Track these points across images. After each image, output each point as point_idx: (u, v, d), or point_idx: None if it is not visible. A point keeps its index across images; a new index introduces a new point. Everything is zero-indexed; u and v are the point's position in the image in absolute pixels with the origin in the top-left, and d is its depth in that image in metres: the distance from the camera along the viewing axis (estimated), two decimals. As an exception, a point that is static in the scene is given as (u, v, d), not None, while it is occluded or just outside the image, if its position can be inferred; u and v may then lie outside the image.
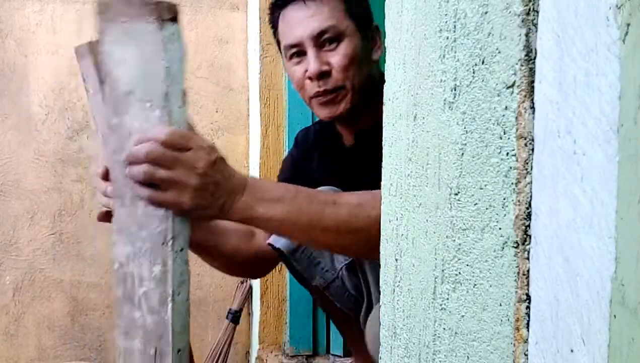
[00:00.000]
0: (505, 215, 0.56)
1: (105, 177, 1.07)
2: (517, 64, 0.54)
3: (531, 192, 0.54)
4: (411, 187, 0.77)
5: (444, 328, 0.68)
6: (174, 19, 0.88)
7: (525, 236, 0.54)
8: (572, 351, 0.47)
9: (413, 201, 0.76)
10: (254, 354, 2.43)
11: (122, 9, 0.87)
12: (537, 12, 0.53)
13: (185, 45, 0.90)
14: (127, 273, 0.92)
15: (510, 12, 0.55)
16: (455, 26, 0.64)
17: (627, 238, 0.39)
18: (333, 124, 1.52)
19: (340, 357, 2.21)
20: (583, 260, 0.45)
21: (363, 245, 1.04)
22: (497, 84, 0.57)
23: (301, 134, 1.67)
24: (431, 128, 0.71)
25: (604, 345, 0.42)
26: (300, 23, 1.39)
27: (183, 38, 0.89)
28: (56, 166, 2.55)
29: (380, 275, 0.88)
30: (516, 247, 0.55)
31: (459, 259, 0.65)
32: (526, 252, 0.54)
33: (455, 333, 0.66)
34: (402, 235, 0.80)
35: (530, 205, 0.54)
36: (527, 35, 0.53)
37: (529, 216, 0.54)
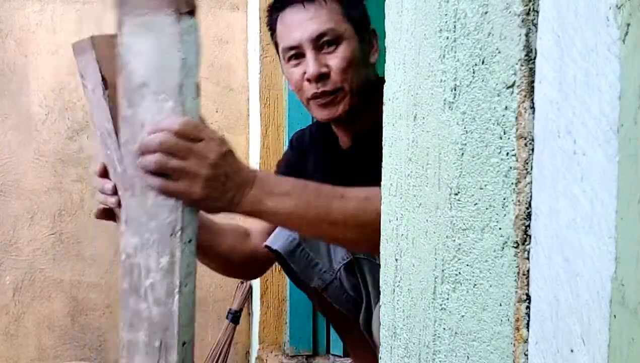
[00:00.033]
0: (505, 215, 0.56)
1: (103, 174, 1.07)
2: (517, 64, 0.54)
3: (531, 192, 0.54)
4: (411, 187, 0.77)
5: (444, 328, 0.68)
6: (192, 12, 0.89)
7: (525, 236, 0.54)
8: (572, 351, 0.47)
9: (413, 201, 0.76)
10: (254, 354, 2.43)
11: (141, 2, 0.88)
12: (537, 12, 0.53)
13: (201, 39, 0.91)
14: (133, 265, 0.92)
15: (510, 12, 0.55)
16: (455, 26, 0.64)
17: (627, 238, 0.39)
18: (329, 126, 1.53)
19: (340, 357, 2.21)
20: (583, 260, 0.45)
21: (370, 239, 1.05)
22: (497, 84, 0.57)
23: (296, 135, 1.68)
24: (431, 128, 0.71)
25: (604, 345, 0.42)
26: (299, 26, 1.40)
27: (200, 31, 0.90)
28: (56, 166, 2.55)
29: (380, 275, 0.88)
30: (516, 247, 0.55)
31: (459, 259, 0.65)
32: (526, 252, 0.54)
33: (455, 333, 0.66)
34: (402, 235, 0.80)
35: (530, 205, 0.54)
36: (527, 35, 0.53)
37: (529, 216, 0.54)
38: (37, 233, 2.56)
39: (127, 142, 0.91)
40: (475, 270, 0.62)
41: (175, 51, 0.88)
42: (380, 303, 0.88)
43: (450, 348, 0.67)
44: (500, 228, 0.57)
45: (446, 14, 0.66)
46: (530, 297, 0.54)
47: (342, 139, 1.52)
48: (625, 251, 0.40)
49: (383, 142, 0.87)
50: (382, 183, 0.88)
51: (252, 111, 2.55)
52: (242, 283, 2.54)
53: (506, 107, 0.56)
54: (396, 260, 0.82)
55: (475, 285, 0.62)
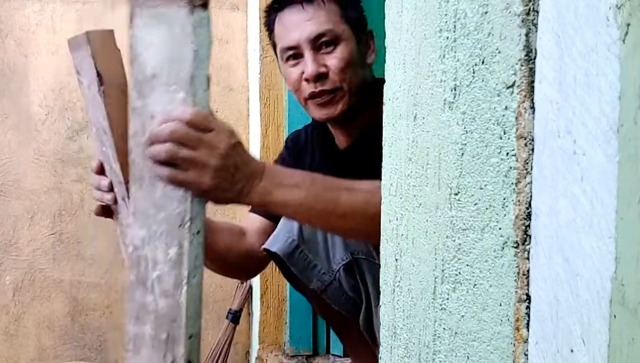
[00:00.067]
0: (505, 215, 0.56)
1: (100, 171, 1.07)
2: (517, 64, 0.54)
3: (531, 192, 0.54)
4: (411, 187, 0.77)
5: (444, 328, 0.68)
6: (205, 5, 0.89)
7: (525, 236, 0.55)
8: (572, 351, 0.47)
9: (413, 201, 0.76)
10: (254, 354, 2.43)
11: None
12: (537, 12, 0.53)
13: (212, 32, 0.91)
14: (141, 257, 0.91)
15: (510, 12, 0.55)
16: (455, 26, 0.64)
17: (627, 238, 0.39)
18: (326, 127, 1.53)
19: (340, 357, 2.21)
20: (583, 260, 0.45)
21: (377, 230, 1.05)
22: (497, 84, 0.57)
23: (291, 136, 1.69)
24: (431, 128, 0.71)
25: (604, 345, 0.42)
26: (297, 26, 1.41)
27: (211, 24, 0.91)
28: (56, 166, 2.55)
29: (380, 275, 0.88)
30: (516, 247, 0.55)
31: (459, 259, 0.65)
32: (526, 252, 0.54)
33: (455, 333, 0.66)
34: (402, 235, 0.80)
35: (530, 205, 0.54)
36: (527, 35, 0.53)
37: (529, 216, 0.54)
38: (37, 233, 2.56)
39: (136, 134, 0.91)
40: (475, 270, 0.62)
41: (188, 43, 0.88)
42: (380, 303, 0.88)
43: (450, 348, 0.67)
44: (500, 228, 0.57)
45: (446, 14, 0.66)
46: (530, 297, 0.54)
47: (339, 139, 1.53)
48: (625, 251, 0.40)
49: (383, 142, 0.87)
50: (382, 183, 0.88)
51: (252, 111, 2.55)
52: (242, 283, 2.54)
53: (506, 107, 0.56)
54: (396, 260, 0.82)
55: (475, 285, 0.62)
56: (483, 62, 0.59)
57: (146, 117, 0.91)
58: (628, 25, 0.39)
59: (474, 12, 0.60)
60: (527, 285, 0.54)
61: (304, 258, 1.43)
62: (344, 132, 1.50)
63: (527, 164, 0.54)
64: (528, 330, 0.54)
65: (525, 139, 0.54)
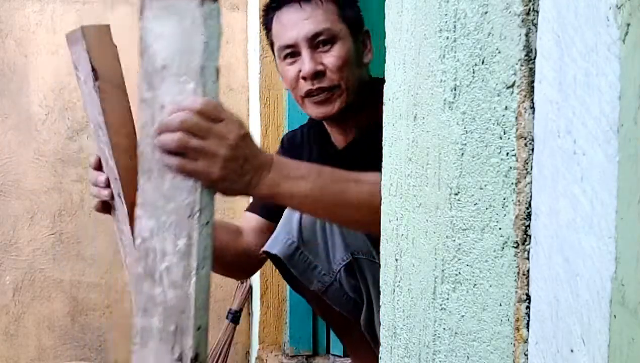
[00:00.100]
0: (505, 215, 0.56)
1: (98, 166, 1.07)
2: (517, 64, 0.54)
3: (531, 192, 0.54)
4: (411, 187, 0.77)
5: (444, 328, 0.68)
6: None
7: (525, 236, 0.55)
8: (572, 351, 0.47)
9: (413, 201, 0.76)
10: (254, 354, 2.43)
11: None
12: (537, 12, 0.53)
13: (222, 24, 0.91)
14: (149, 249, 0.91)
15: (510, 12, 0.55)
16: (455, 26, 0.64)
17: (627, 238, 0.39)
18: (322, 126, 1.53)
19: (340, 357, 2.21)
20: (583, 260, 0.45)
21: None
22: (497, 84, 0.57)
23: (287, 136, 1.69)
24: (431, 128, 0.71)
25: (604, 345, 0.42)
26: (295, 25, 1.41)
27: (221, 16, 0.91)
28: (56, 166, 2.55)
29: (380, 275, 0.88)
30: (516, 247, 0.55)
31: (459, 259, 0.65)
32: (526, 252, 0.54)
33: (455, 333, 0.66)
34: (402, 235, 0.80)
35: (530, 205, 0.54)
36: (527, 35, 0.53)
37: (529, 216, 0.54)
38: (37, 233, 2.56)
39: (145, 125, 0.91)
40: (475, 270, 0.62)
41: (199, 34, 0.88)
42: (380, 303, 0.88)
43: (450, 348, 0.67)
44: (500, 228, 0.57)
45: (446, 14, 0.66)
46: (530, 297, 0.54)
47: (335, 138, 1.53)
48: (625, 251, 0.40)
49: (383, 142, 0.87)
50: (382, 183, 0.88)
51: (252, 111, 2.55)
52: (242, 283, 2.54)
53: (506, 107, 0.56)
54: (396, 260, 0.82)
55: (475, 285, 0.62)
56: (483, 62, 0.59)
57: (156, 108, 0.91)
58: (628, 25, 0.39)
59: (474, 12, 0.60)
60: (527, 285, 0.54)
61: (304, 260, 1.43)
62: (341, 131, 1.51)
63: (527, 164, 0.54)
64: (528, 330, 0.54)
65: (525, 139, 0.54)
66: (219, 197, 0.96)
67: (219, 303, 2.58)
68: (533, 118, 0.53)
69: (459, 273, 0.65)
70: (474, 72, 0.61)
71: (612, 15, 0.41)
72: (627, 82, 0.39)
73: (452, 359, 0.66)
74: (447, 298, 0.67)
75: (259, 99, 2.27)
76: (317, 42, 1.41)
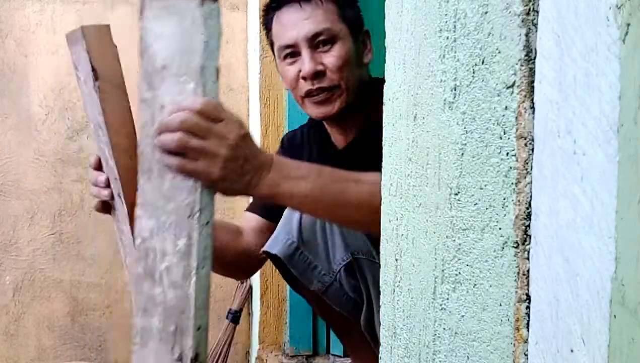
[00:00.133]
0: (505, 215, 0.56)
1: (98, 166, 1.07)
2: (517, 64, 0.54)
3: (531, 192, 0.54)
4: (411, 187, 0.77)
5: (444, 328, 0.68)
6: None
7: (525, 236, 0.54)
8: (572, 351, 0.47)
9: (413, 201, 0.76)
10: (254, 354, 2.43)
11: None
12: (537, 12, 0.53)
13: (222, 24, 0.91)
14: (149, 249, 0.91)
15: (510, 12, 0.55)
16: (455, 26, 0.64)
17: (627, 238, 0.39)
18: (322, 126, 1.53)
19: (340, 357, 2.21)
20: (583, 260, 0.45)
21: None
22: (497, 84, 0.57)
23: (287, 136, 1.69)
24: (431, 128, 0.71)
25: (604, 345, 0.42)
26: (295, 25, 1.42)
27: (221, 16, 0.91)
28: (56, 166, 2.55)
29: (380, 275, 0.88)
30: (516, 247, 0.55)
31: (459, 259, 0.65)
32: (526, 252, 0.54)
33: (455, 333, 0.66)
34: (402, 235, 0.80)
35: (530, 205, 0.54)
36: (527, 35, 0.53)
37: (529, 216, 0.54)
38: (37, 233, 2.56)
39: (145, 125, 0.91)
40: (475, 270, 0.62)
41: (199, 34, 0.88)
42: (380, 303, 0.88)
43: (450, 348, 0.67)
44: (500, 228, 0.57)
45: (446, 14, 0.66)
46: (530, 297, 0.54)
47: (335, 138, 1.53)
48: (625, 251, 0.40)
49: (383, 142, 0.87)
50: (382, 183, 0.88)
51: (252, 111, 2.55)
52: (242, 283, 2.54)
53: (506, 107, 0.56)
54: (396, 260, 0.82)
55: (475, 285, 0.62)
56: (483, 62, 0.59)
57: (156, 108, 0.91)
58: (628, 25, 0.39)
59: (474, 12, 0.60)
60: (527, 285, 0.54)
61: (304, 260, 1.43)
62: (341, 131, 1.51)
63: (527, 164, 0.54)
64: (528, 330, 0.54)
65: (525, 139, 0.54)
66: (219, 197, 0.96)
67: (219, 303, 2.58)
68: (533, 118, 0.53)
69: (459, 273, 0.65)
70: (474, 72, 0.61)
71: (612, 15, 0.41)
72: (627, 82, 0.39)
73: (452, 359, 0.66)
74: (447, 298, 0.67)
75: (259, 99, 2.27)
76: (317, 42, 1.41)
